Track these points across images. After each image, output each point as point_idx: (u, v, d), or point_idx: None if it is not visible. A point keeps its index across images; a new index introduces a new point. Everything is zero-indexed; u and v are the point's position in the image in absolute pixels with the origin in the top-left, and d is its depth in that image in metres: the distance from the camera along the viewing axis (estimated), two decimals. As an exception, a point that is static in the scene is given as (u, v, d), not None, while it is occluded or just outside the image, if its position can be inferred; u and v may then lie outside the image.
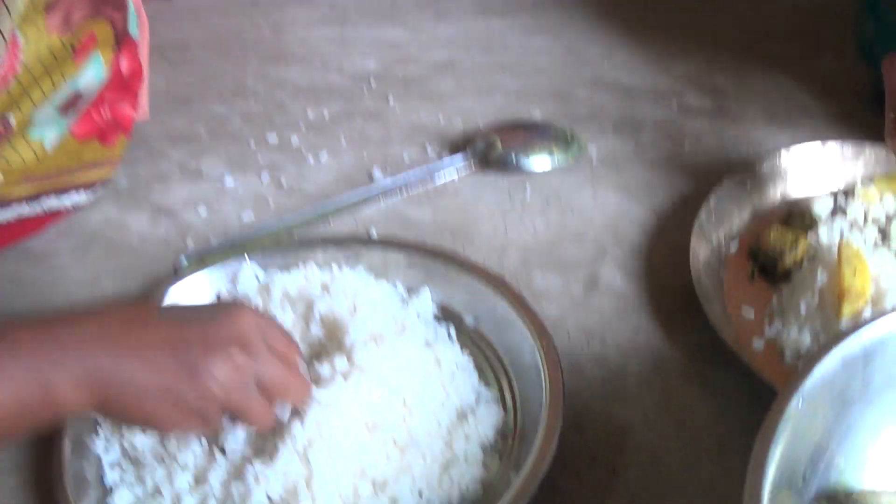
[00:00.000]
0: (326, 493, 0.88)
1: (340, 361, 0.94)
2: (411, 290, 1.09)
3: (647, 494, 0.93)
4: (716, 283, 1.10)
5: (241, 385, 0.84)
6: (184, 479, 0.91)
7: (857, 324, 0.80)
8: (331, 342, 1.00)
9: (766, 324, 1.06)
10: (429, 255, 1.10)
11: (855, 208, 1.15)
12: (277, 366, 0.87)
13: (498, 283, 1.05)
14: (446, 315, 1.07)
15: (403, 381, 0.94)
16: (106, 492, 0.93)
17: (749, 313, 1.07)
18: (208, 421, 0.85)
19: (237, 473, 0.90)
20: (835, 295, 0.99)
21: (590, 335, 1.08)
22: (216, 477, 0.90)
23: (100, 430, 0.97)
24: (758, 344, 1.04)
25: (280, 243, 1.19)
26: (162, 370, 0.82)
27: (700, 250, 1.11)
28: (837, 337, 0.78)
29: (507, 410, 0.98)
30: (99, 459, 0.96)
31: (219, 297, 1.10)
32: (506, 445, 0.95)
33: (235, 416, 0.87)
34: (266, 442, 0.92)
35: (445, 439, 0.93)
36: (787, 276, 1.10)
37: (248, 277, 1.11)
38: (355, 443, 0.90)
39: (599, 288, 1.13)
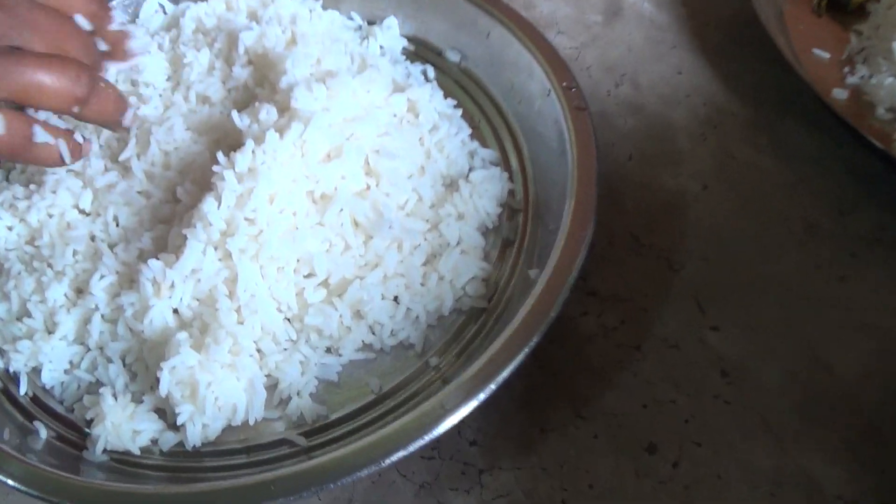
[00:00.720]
0: (258, 301, 0.52)
1: (272, 110, 0.56)
2: (373, 23, 0.69)
3: (714, 294, 0.59)
4: (775, 17, 0.72)
5: None
6: (59, 291, 0.56)
7: None
8: (261, 87, 0.62)
9: (845, 70, 0.70)
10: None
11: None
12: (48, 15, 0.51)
13: (491, 4, 0.66)
14: (421, 52, 0.69)
15: (364, 135, 0.58)
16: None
17: (822, 56, 0.70)
18: None
19: (129, 279, 0.54)
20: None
21: (617, 75, 0.71)
22: (101, 285, 0.55)
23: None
24: (839, 94, 0.68)
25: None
26: None
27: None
28: None
29: (512, 177, 0.61)
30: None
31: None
32: (515, 226, 0.59)
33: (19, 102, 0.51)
34: (169, 228, 0.55)
35: (429, 218, 0.58)
36: (861, 10, 0.74)
37: (150, 8, 0.71)
38: (296, 227, 0.54)
39: (624, 15, 0.75)
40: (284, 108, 0.57)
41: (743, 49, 0.71)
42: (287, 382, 0.52)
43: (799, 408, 0.53)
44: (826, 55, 0.71)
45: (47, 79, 0.50)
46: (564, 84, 0.60)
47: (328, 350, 0.54)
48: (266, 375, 0.53)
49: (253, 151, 0.54)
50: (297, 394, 0.52)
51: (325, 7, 0.70)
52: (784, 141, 0.66)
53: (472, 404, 0.47)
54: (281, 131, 0.55)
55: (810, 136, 0.66)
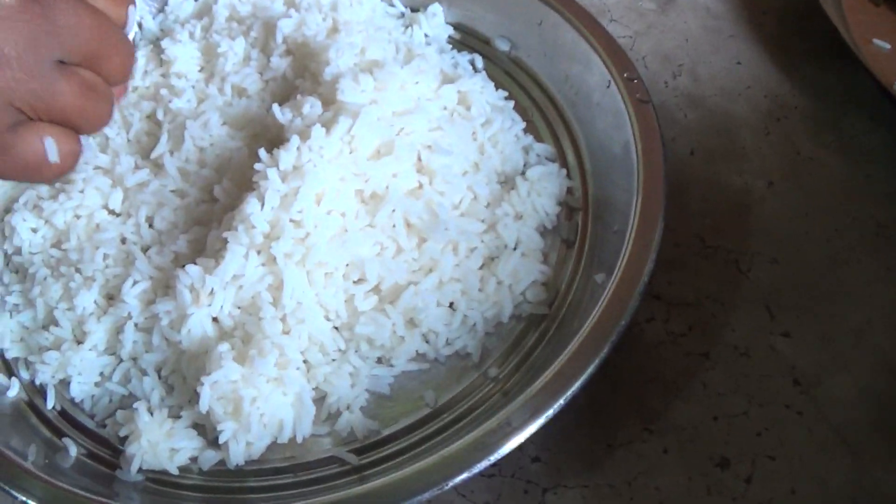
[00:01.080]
0: (305, 309, 0.48)
1: (316, 103, 0.52)
2: (416, 10, 0.64)
3: (784, 298, 0.54)
4: (834, 6, 0.67)
5: (34, 62, 0.41)
6: (88, 298, 0.51)
7: None
8: (302, 78, 0.57)
9: None
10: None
11: None
12: (94, 17, 0.44)
13: (544, -7, 0.61)
14: (468, 41, 0.64)
15: (415, 129, 0.53)
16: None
17: (882, 46, 0.66)
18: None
19: (164, 285, 0.50)
20: None
21: (674, 65, 0.66)
22: (134, 291, 0.50)
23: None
24: (905, 86, 0.63)
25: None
26: None
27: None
28: None
29: (570, 174, 0.57)
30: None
31: (140, 25, 0.65)
32: (574, 226, 0.54)
33: (50, 118, 0.44)
34: (205, 230, 0.51)
35: (486, 218, 0.53)
36: (922, -1, 0.70)
37: (180, -3, 0.66)
38: (345, 229, 0.49)
39: (678, 3, 0.71)
40: (329, 102, 0.53)
41: (802, 39, 0.66)
42: (336, 396, 0.48)
43: (875, 420, 0.49)
44: (886, 46, 0.66)
45: (91, 104, 0.45)
46: (626, 75, 0.55)
47: (379, 360, 0.50)
48: (314, 388, 0.48)
49: (298, 148, 0.49)
50: (347, 408, 0.48)
51: (363, -7, 0.65)
52: (848, 136, 0.61)
53: (539, 421, 0.43)
54: (327, 126, 0.50)
55: (874, 131, 0.61)
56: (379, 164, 0.51)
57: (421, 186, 0.52)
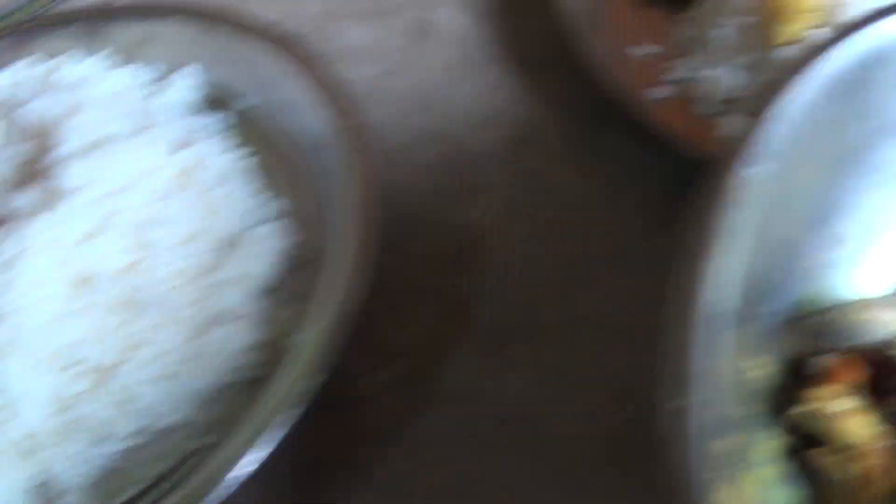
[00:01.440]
0: (19, 400, 0.49)
1: (36, 189, 0.53)
2: (173, 72, 0.65)
3: (513, 336, 0.55)
4: (598, 13, 0.67)
5: None
6: None
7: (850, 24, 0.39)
8: (41, 160, 0.58)
9: (669, 66, 0.64)
10: (190, 18, 0.65)
11: None
12: None
13: (279, 43, 0.62)
14: (221, 99, 0.64)
15: (133, 205, 0.54)
16: None
17: (644, 52, 0.66)
18: None
19: None
20: (766, 13, 0.60)
21: (421, 101, 0.67)
22: None
23: None
24: (659, 92, 0.62)
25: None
26: None
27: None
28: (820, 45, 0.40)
29: (306, 227, 0.57)
30: None
31: None
32: (302, 281, 0.55)
33: None
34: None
35: (203, 286, 0.54)
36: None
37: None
38: (57, 315, 0.50)
39: (434, 35, 0.71)
40: (50, 186, 0.54)
41: (566, 60, 0.64)
42: (56, 479, 0.49)
43: (605, 452, 0.49)
44: (651, 50, 0.65)
45: None
46: (348, 123, 0.56)
47: (98, 440, 0.50)
48: (33, 474, 0.49)
49: (8, 240, 0.51)
50: (68, 490, 0.49)
51: (125, 59, 0.66)
52: (598, 156, 0.61)
53: (230, 486, 0.44)
54: (40, 213, 0.51)
55: (627, 148, 0.61)
56: (91, 245, 0.51)
57: (135, 263, 0.52)
